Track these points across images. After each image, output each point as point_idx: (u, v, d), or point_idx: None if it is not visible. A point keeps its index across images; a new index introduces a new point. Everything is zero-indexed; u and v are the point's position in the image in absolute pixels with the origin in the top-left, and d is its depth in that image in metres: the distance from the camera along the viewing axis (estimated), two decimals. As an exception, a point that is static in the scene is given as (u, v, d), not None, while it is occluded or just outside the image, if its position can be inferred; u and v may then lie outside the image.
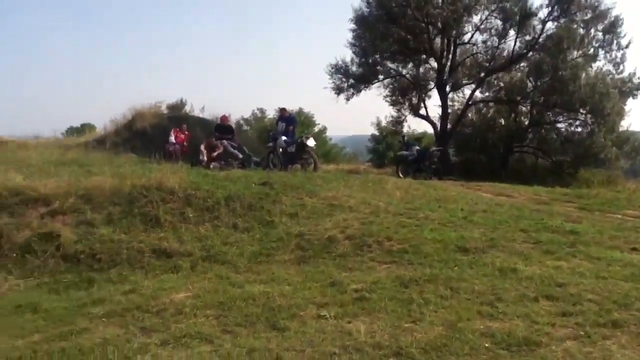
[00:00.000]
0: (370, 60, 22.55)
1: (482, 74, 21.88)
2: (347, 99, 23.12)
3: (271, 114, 29.21)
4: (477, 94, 22.62)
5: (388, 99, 23.57)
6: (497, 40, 21.58)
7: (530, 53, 21.19)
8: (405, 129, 24.11)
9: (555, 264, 5.57)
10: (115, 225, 7.06)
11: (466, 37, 22.10)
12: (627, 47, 20.78)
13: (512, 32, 21.28)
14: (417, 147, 16.28)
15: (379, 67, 22.95)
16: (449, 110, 22.48)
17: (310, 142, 13.49)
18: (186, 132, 16.58)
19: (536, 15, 20.80)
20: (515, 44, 21.28)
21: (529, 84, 21.60)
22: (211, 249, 6.58)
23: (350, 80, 22.95)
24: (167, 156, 14.35)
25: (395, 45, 21.86)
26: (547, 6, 20.68)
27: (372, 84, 23.10)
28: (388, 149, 29.36)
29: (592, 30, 20.72)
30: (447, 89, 22.24)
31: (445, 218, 7.52)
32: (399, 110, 23.90)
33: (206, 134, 15.49)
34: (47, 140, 18.30)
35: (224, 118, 15.92)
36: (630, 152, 20.84)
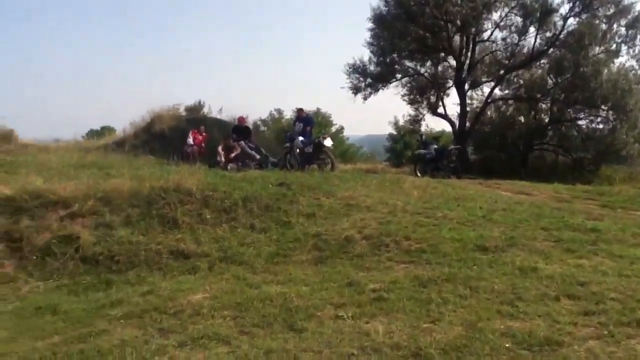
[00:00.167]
0: (388, 59, 22.37)
1: (502, 72, 21.57)
2: (365, 99, 23.00)
3: (288, 114, 29.26)
4: (497, 91, 22.32)
5: (406, 97, 23.41)
6: (517, 37, 21.23)
7: (551, 50, 20.80)
8: (423, 128, 23.97)
9: (576, 263, 5.49)
10: (134, 227, 7.10)
11: (485, 35, 21.79)
12: (651, 42, 20.30)
13: (532, 29, 20.89)
14: (435, 146, 16.11)
15: (397, 66, 22.77)
16: (468, 109, 22.23)
17: (328, 142, 13.45)
18: (204, 134, 16.67)
19: (557, 11, 20.38)
20: (535, 41, 20.91)
21: (550, 81, 21.22)
22: (228, 249, 6.59)
23: (368, 79, 22.81)
24: (185, 158, 14.47)
25: (414, 43, 21.68)
26: (569, 2, 20.23)
27: (390, 83, 22.92)
28: (406, 148, 29.20)
29: (615, 26, 20.20)
30: (466, 87, 21.98)
31: (464, 217, 7.44)
32: (416, 109, 23.72)
33: (224, 135, 15.54)
34: (67, 144, 18.53)
35: (242, 119, 15.97)
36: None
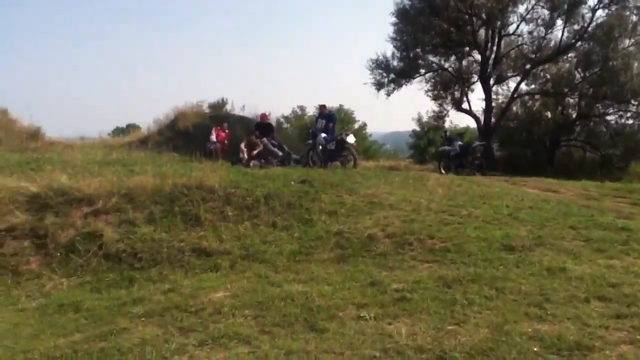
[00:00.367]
0: (411, 54, 22.22)
1: (528, 66, 21.23)
2: (388, 95, 22.88)
3: (311, 111, 29.22)
4: (523, 86, 22.03)
5: (430, 93, 23.25)
6: (543, 30, 20.90)
7: (579, 43, 20.43)
8: (447, 124, 23.75)
9: (607, 263, 5.31)
10: (157, 224, 7.11)
11: (511, 28, 21.55)
12: (684, 34, 19.71)
13: (559, 22, 20.60)
14: (460, 142, 15.91)
15: (420, 61, 22.60)
16: (493, 104, 21.94)
17: (350, 139, 13.34)
18: (227, 131, 16.72)
19: (585, 3, 20.04)
20: (562, 34, 20.57)
21: (577, 75, 20.87)
22: (250, 247, 6.55)
23: (391, 75, 22.68)
24: (208, 155, 14.52)
25: (438, 38, 21.49)
26: (598, -7, 19.80)
27: (414, 79, 22.80)
28: (429, 145, 29.02)
29: (646, 17, 19.73)
30: (491, 82, 21.70)
31: (489, 215, 7.28)
32: (440, 105, 23.54)
33: (246, 132, 15.57)
34: (93, 141, 18.78)
35: (264, 116, 15.96)
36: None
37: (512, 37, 21.75)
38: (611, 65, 18.84)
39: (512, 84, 22.13)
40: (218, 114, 20.27)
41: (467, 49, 22.15)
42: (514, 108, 22.64)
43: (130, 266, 6.33)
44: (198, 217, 7.27)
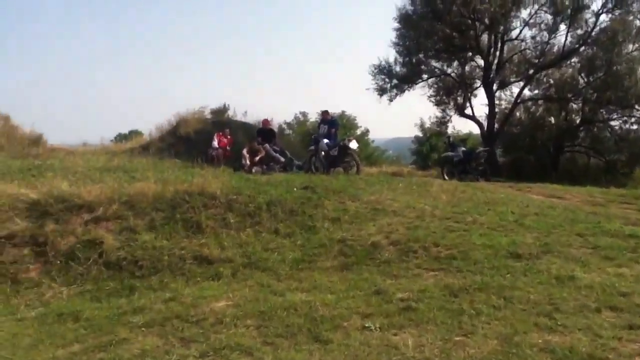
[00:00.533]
0: (414, 60, 22.14)
1: (531, 71, 21.14)
2: (390, 100, 22.79)
3: (313, 117, 29.13)
4: (526, 91, 21.94)
5: (432, 99, 23.15)
6: (547, 35, 20.82)
7: (582, 48, 20.33)
8: (449, 130, 23.65)
9: (616, 271, 5.20)
10: (158, 232, 7.02)
11: (514, 33, 21.43)
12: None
13: (562, 27, 20.48)
14: (463, 148, 15.82)
15: (423, 67, 22.52)
16: (496, 110, 21.82)
17: (353, 145, 13.27)
18: (229, 137, 16.64)
19: (589, 7, 19.93)
20: (566, 39, 20.49)
21: (581, 81, 20.75)
22: (252, 255, 6.46)
23: (394, 80, 22.61)
24: (210, 161, 14.44)
25: (440, 43, 21.42)
26: (602, -3, 19.69)
27: (416, 84, 22.70)
28: (432, 151, 28.92)
29: (649, 22, 19.63)
30: (494, 87, 21.61)
31: (495, 222, 7.18)
32: (443, 111, 23.45)
33: (249, 138, 15.49)
34: (95, 147, 18.74)
35: (266, 122, 15.89)
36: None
37: (515, 42, 21.68)
38: (615, 70, 18.74)
39: (515, 89, 22.06)
40: (220, 120, 20.20)
41: (470, 54, 22.06)
42: (517, 113, 22.54)
43: (131, 274, 6.25)
44: (199, 224, 7.18)
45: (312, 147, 13.95)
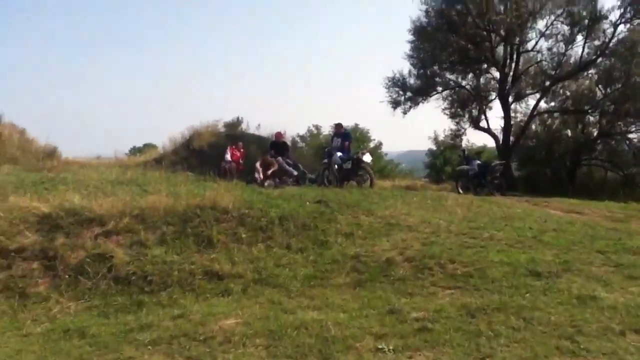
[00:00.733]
0: (428, 72, 22.01)
1: (547, 83, 20.84)
2: (404, 113, 22.64)
3: (326, 130, 29.07)
4: (542, 104, 21.63)
5: (447, 111, 22.94)
6: (563, 46, 20.52)
7: (600, 59, 20.00)
8: (463, 143, 23.40)
9: (640, 291, 4.99)
10: (168, 246, 6.93)
11: (530, 45, 21.20)
12: None
13: (579, 38, 20.19)
14: (478, 162, 15.58)
15: (437, 79, 22.37)
16: (512, 122, 21.55)
17: (367, 158, 13.11)
18: (242, 150, 16.60)
19: (607, 18, 19.56)
20: (583, 50, 20.18)
21: (598, 92, 20.43)
22: (263, 271, 6.33)
23: (408, 93, 22.47)
24: (223, 174, 14.38)
25: (455, 55, 21.24)
26: (619, 8, 19.38)
27: (431, 97, 22.54)
28: (445, 164, 28.68)
29: (668, 32, 19.27)
30: (510, 99, 21.33)
31: (512, 238, 6.99)
32: (458, 123, 23.20)
33: (262, 152, 15.43)
34: (109, 160, 18.80)
35: (279, 135, 15.84)
36: None
37: (531, 54, 21.41)
38: (633, 82, 18.41)
39: (531, 102, 21.77)
40: (233, 133, 20.22)
41: (485, 66, 21.87)
42: (533, 126, 22.26)
43: (140, 289, 6.13)
44: (210, 239, 7.07)
45: (325, 161, 13.82)
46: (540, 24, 20.53)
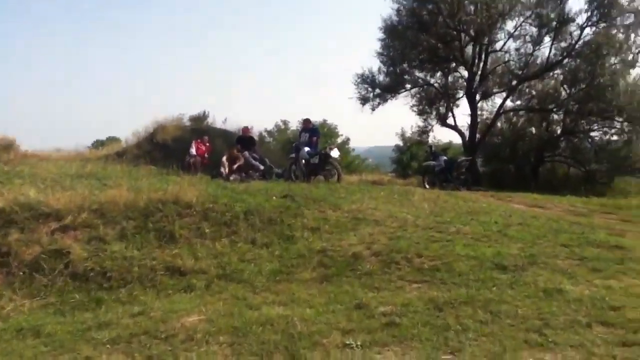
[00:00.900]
0: (398, 70, 22.04)
1: (514, 82, 21.12)
2: (373, 109, 22.64)
3: (294, 125, 28.89)
4: (508, 102, 21.88)
5: (415, 108, 23.02)
6: (531, 47, 20.79)
7: (566, 60, 20.35)
8: (430, 139, 23.57)
9: (604, 284, 5.05)
10: (128, 241, 6.69)
11: (498, 45, 21.41)
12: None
13: (547, 39, 20.46)
14: (445, 157, 15.71)
15: (406, 77, 22.42)
16: (478, 120, 21.79)
17: (334, 153, 13.03)
18: (207, 144, 16.29)
19: (574, 21, 19.89)
20: (550, 51, 20.44)
21: (563, 92, 20.83)
22: (227, 266, 6.17)
23: (377, 90, 22.47)
24: (187, 168, 14.08)
25: (425, 53, 21.33)
26: (587, 11, 19.72)
27: (399, 94, 22.57)
28: (412, 160, 28.88)
29: (632, 35, 19.69)
30: (477, 97, 21.54)
31: (478, 232, 6.99)
32: (425, 120, 23.32)
33: (228, 146, 15.18)
34: (69, 153, 18.22)
35: (246, 129, 15.59)
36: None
37: (500, 54, 21.64)
38: (598, 83, 18.80)
39: (497, 100, 22.02)
40: (199, 127, 19.79)
41: (454, 64, 22.03)
42: (499, 124, 22.55)
43: (99, 286, 5.91)
44: (173, 234, 6.88)
45: (293, 155, 13.70)
46: (509, 25, 20.79)
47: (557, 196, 12.67)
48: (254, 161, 13.97)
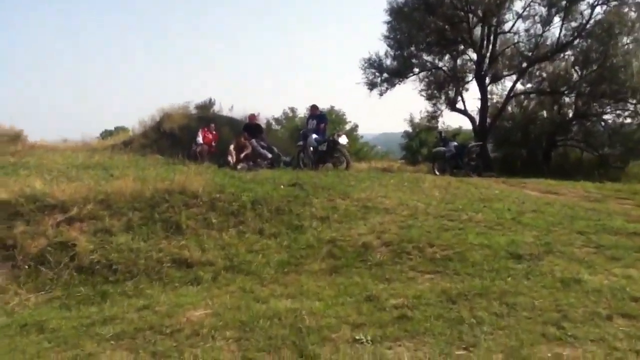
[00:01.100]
0: (405, 53, 21.63)
1: (524, 65, 20.65)
2: (381, 95, 22.29)
3: (302, 112, 28.68)
4: (519, 85, 21.38)
5: (423, 93, 22.63)
6: (540, 28, 20.17)
7: (577, 40, 19.78)
8: (439, 125, 23.25)
9: (624, 273, 4.87)
10: (135, 233, 6.60)
11: (507, 26, 20.84)
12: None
13: (557, 19, 19.83)
14: (455, 143, 15.45)
15: (414, 60, 22.00)
16: (488, 104, 21.42)
17: (343, 140, 12.82)
18: (214, 132, 16.16)
19: (584, -1, 19.43)
20: (560, 32, 19.85)
21: (575, 74, 20.34)
22: (235, 257, 6.06)
23: (384, 74, 22.10)
24: (194, 157, 13.96)
25: (432, 36, 20.88)
26: (597, -11, 19.22)
27: (407, 78, 22.17)
28: (421, 146, 28.63)
29: (645, 14, 19.20)
30: (487, 81, 21.10)
31: (491, 220, 6.81)
32: (434, 105, 22.92)
33: (235, 134, 15.03)
34: (76, 144, 18.17)
35: (252, 117, 15.43)
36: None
37: (508, 35, 21.12)
38: (610, 63, 18.30)
39: (508, 83, 21.54)
40: (205, 115, 19.66)
41: (462, 47, 21.57)
42: (510, 108, 22.13)
43: (105, 279, 5.83)
44: (179, 225, 6.78)
45: (301, 143, 13.52)
46: (518, 5, 20.24)
47: (571, 181, 12.40)
48: (261, 149, 13.81)
